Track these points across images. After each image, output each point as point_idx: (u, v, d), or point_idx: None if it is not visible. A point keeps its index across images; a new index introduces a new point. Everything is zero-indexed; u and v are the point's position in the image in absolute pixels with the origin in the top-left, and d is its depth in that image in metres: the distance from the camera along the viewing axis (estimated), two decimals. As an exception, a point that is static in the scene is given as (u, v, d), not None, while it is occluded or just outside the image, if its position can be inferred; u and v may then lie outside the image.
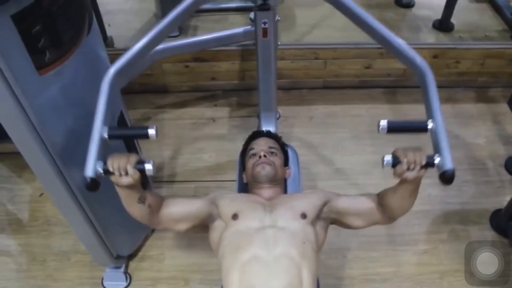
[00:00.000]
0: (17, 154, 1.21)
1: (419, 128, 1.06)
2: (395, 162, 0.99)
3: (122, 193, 1.07)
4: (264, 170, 1.31)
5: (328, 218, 1.25)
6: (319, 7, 2.86)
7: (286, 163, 1.47)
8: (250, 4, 2.79)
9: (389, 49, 1.24)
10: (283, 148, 1.49)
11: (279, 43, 2.21)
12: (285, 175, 1.42)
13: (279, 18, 1.79)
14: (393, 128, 1.03)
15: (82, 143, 1.31)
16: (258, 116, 2.21)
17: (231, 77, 2.58)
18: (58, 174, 1.27)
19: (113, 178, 1.01)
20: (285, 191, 1.49)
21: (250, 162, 1.38)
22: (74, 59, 1.16)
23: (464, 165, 2.21)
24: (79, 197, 1.37)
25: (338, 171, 2.19)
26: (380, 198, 1.17)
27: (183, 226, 1.21)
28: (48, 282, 1.82)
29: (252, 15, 2.69)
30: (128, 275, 1.82)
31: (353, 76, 2.59)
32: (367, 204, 1.19)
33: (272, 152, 1.39)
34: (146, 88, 2.55)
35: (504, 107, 2.47)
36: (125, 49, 1.20)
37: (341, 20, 1.38)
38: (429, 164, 0.99)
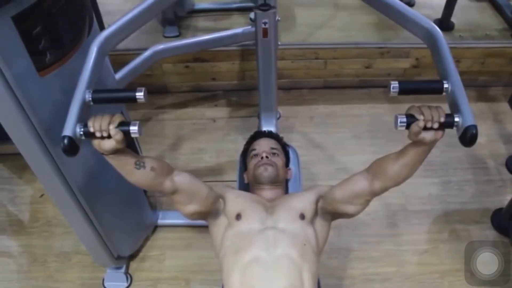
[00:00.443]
0: (17, 155, 1.21)
1: (434, 89, 0.95)
2: (410, 121, 0.88)
3: (113, 162, 1.00)
4: (266, 172, 1.31)
5: (327, 213, 1.21)
6: (319, 7, 2.86)
7: (287, 163, 1.47)
8: (250, 4, 2.80)
9: (394, 17, 1.17)
10: (285, 148, 1.49)
11: (279, 43, 2.21)
12: (286, 175, 1.42)
13: (279, 18, 1.79)
14: (405, 90, 0.93)
15: (83, 144, 1.31)
16: (259, 116, 2.21)
17: (231, 77, 2.58)
18: (58, 175, 1.27)
19: (95, 144, 0.94)
20: (286, 191, 1.49)
21: (251, 163, 1.38)
22: (75, 60, 1.16)
23: (464, 164, 2.21)
24: (80, 198, 1.37)
25: (338, 171, 2.19)
26: (376, 169, 1.09)
27: (193, 206, 1.14)
28: (49, 283, 1.83)
29: (252, 15, 2.68)
30: (128, 276, 1.82)
31: (353, 75, 2.59)
32: (360, 183, 1.11)
33: (274, 153, 1.39)
34: (146, 89, 2.54)
35: (504, 106, 2.46)
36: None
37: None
38: (448, 123, 0.89)
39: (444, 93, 0.95)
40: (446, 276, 1.79)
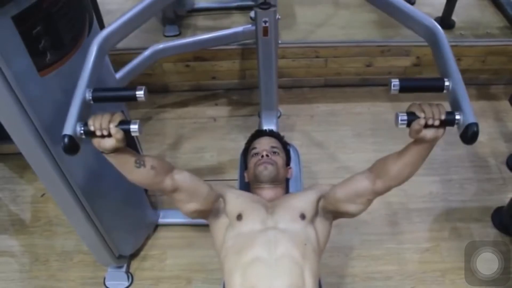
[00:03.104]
0: (18, 155, 1.22)
1: (435, 87, 0.95)
2: (411, 119, 0.88)
3: (113, 161, 0.99)
4: (266, 170, 1.31)
5: (328, 212, 1.21)
6: (320, 6, 2.85)
7: (288, 162, 1.47)
8: (250, 2, 2.79)
9: (395, 15, 1.17)
10: (285, 147, 1.49)
11: (279, 41, 2.20)
12: (287, 175, 1.42)
13: (279, 17, 1.79)
14: (406, 87, 0.92)
15: (84, 144, 1.31)
16: (259, 115, 2.21)
17: (232, 76, 2.58)
18: (59, 174, 1.27)
19: (95, 142, 0.93)
20: (287, 190, 1.49)
21: (252, 161, 1.37)
22: (75, 60, 1.16)
23: (466, 162, 2.21)
24: (81, 197, 1.37)
25: (339, 170, 2.18)
26: (380, 168, 1.07)
27: (194, 204, 1.14)
28: (51, 282, 1.83)
29: (252, 13, 2.68)
30: (130, 275, 1.82)
31: (354, 74, 2.59)
32: (362, 183, 1.09)
33: (275, 152, 1.38)
34: (147, 88, 2.54)
35: (506, 104, 2.46)
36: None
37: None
38: (449, 120, 0.88)
39: (445, 91, 0.94)
40: (447, 274, 1.79)
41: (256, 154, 1.38)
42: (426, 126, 0.88)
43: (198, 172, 2.20)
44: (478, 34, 2.69)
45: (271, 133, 1.51)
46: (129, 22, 1.16)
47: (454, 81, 0.94)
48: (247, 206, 1.22)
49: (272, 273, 1.08)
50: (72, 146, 0.90)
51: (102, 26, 2.37)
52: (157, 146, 2.32)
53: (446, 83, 0.94)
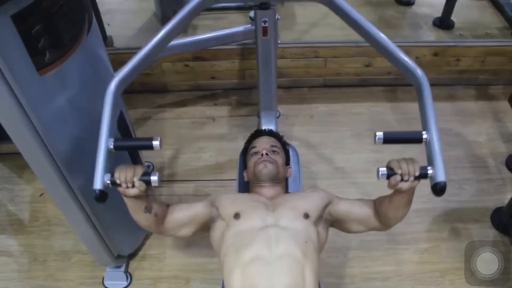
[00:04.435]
0: (17, 155, 1.21)
1: (414, 139, 1.07)
2: (390, 173, 1.02)
3: (129, 203, 1.11)
4: (266, 169, 1.31)
5: (328, 220, 1.26)
6: (319, 6, 2.84)
7: (287, 162, 1.47)
8: (250, 2, 2.79)
9: (387, 57, 1.25)
10: (285, 147, 1.49)
11: (279, 41, 2.20)
12: (286, 174, 1.42)
13: (279, 17, 1.79)
14: (388, 139, 1.05)
15: (83, 143, 1.31)
16: (258, 115, 2.21)
17: (231, 76, 2.58)
18: (58, 174, 1.27)
19: (120, 189, 1.04)
20: (286, 190, 1.49)
21: (251, 161, 1.38)
22: (74, 59, 1.16)
23: (465, 163, 2.21)
24: (80, 197, 1.37)
25: (338, 170, 2.19)
26: (377, 207, 1.19)
27: (186, 231, 1.25)
28: (49, 282, 1.83)
29: (252, 13, 2.68)
30: (128, 275, 1.82)
31: (353, 74, 2.59)
32: (366, 210, 1.22)
33: (274, 151, 1.39)
34: (146, 88, 2.55)
35: (505, 104, 2.47)
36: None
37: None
38: (422, 175, 1.02)
39: (423, 143, 1.06)
40: (447, 275, 1.79)
41: (256, 153, 1.38)
42: (402, 179, 1.01)
43: (197, 172, 2.21)
44: (478, 34, 2.70)
45: (270, 133, 1.51)
46: (138, 65, 1.19)
47: (431, 135, 1.04)
48: (244, 206, 1.22)
49: (273, 272, 1.08)
50: (102, 196, 1.01)
51: (101, 26, 2.37)
52: (156, 146, 2.32)
53: (424, 136, 1.05)
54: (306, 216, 1.18)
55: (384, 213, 1.15)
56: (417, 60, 2.49)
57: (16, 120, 1.09)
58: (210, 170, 2.22)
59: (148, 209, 1.12)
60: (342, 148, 2.30)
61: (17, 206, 2.11)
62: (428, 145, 1.04)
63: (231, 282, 1.11)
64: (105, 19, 2.45)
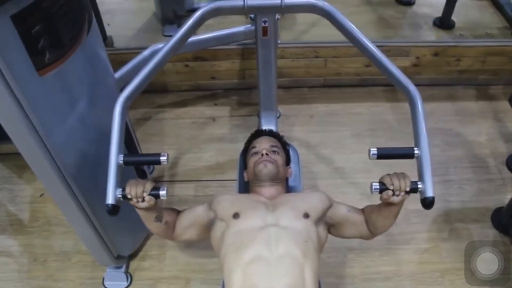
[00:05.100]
0: (17, 155, 1.21)
1: (406, 155, 1.13)
2: (382, 188, 1.08)
3: (141, 214, 1.17)
4: (266, 168, 1.31)
5: (328, 223, 1.27)
6: (319, 6, 2.84)
7: (287, 162, 1.47)
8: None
9: (384, 73, 1.30)
10: (285, 147, 1.49)
11: (279, 41, 2.20)
12: (286, 174, 1.42)
13: (279, 17, 1.78)
14: (382, 155, 1.11)
15: (83, 144, 1.31)
16: (259, 115, 2.21)
17: (231, 76, 2.58)
18: (58, 175, 1.26)
19: (131, 202, 1.10)
20: (286, 190, 1.49)
21: (252, 160, 1.38)
22: (74, 59, 1.16)
23: (465, 163, 2.21)
24: (80, 197, 1.37)
25: (338, 170, 2.19)
26: (366, 215, 1.24)
27: (189, 234, 1.28)
28: (49, 283, 1.83)
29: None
30: (129, 275, 1.82)
31: (353, 74, 2.59)
32: (360, 217, 1.25)
33: (274, 151, 1.39)
34: (146, 88, 2.54)
35: (505, 104, 2.46)
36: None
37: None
38: (413, 190, 1.07)
39: (415, 158, 1.12)
40: (447, 275, 1.79)
41: (256, 153, 1.38)
42: (394, 194, 1.07)
43: (197, 172, 2.21)
44: (478, 34, 2.69)
45: (270, 133, 1.51)
46: (144, 80, 1.24)
47: (422, 152, 1.10)
48: (244, 206, 1.23)
49: (273, 272, 1.08)
50: (115, 210, 1.08)
51: (101, 26, 2.37)
52: (156, 146, 2.32)
53: (416, 152, 1.11)
54: (306, 216, 1.19)
55: (373, 222, 1.20)
56: (417, 60, 2.51)
57: (16, 120, 1.08)
58: (210, 170, 2.22)
59: (158, 219, 1.20)
60: (342, 148, 2.30)
61: (17, 206, 2.11)
62: (419, 161, 1.10)
63: (232, 282, 1.11)
64: (105, 19, 2.45)
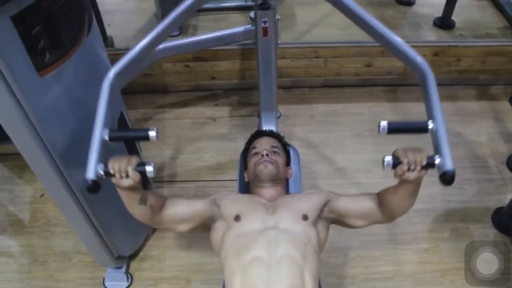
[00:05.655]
0: (17, 155, 1.21)
1: (420, 128, 1.05)
2: (396, 162, 0.98)
3: (123, 194, 1.08)
4: (267, 169, 1.31)
5: (329, 218, 1.25)
6: (319, 6, 2.85)
7: (288, 163, 1.47)
8: (250, 3, 2.79)
9: (389, 49, 1.23)
10: (285, 147, 1.49)
11: (279, 42, 2.20)
12: (287, 174, 1.42)
13: (279, 17, 1.78)
14: (393, 129, 1.02)
15: (83, 144, 1.31)
16: (259, 115, 2.21)
17: (231, 76, 2.58)
18: (59, 175, 1.27)
19: (114, 180, 1.02)
20: (287, 191, 1.49)
21: (252, 161, 1.37)
22: (74, 60, 1.16)
23: (465, 163, 2.21)
24: (80, 198, 1.37)
25: (339, 170, 2.18)
26: (381, 198, 1.17)
27: (185, 227, 1.22)
28: (49, 283, 1.83)
29: (252, 14, 2.68)
30: (129, 275, 1.82)
31: (353, 74, 2.59)
32: (368, 205, 1.19)
33: (275, 152, 1.38)
34: (146, 88, 2.55)
35: (505, 104, 2.46)
36: (125, 49, 1.20)
37: (341, 18, 1.38)
38: (430, 164, 0.98)
39: (429, 133, 1.02)
40: (447, 275, 1.79)
41: (256, 153, 1.38)
42: (409, 169, 0.98)
43: (197, 172, 2.21)
44: (478, 34, 2.69)
45: (271, 133, 1.51)
46: (136, 57, 1.18)
47: (437, 125, 1.01)
48: (245, 207, 1.22)
49: (272, 274, 1.08)
50: (95, 187, 0.98)
51: (101, 26, 2.37)
52: (156, 146, 2.32)
53: (430, 126, 1.02)
54: (305, 217, 1.18)
55: (389, 205, 1.12)
56: (418, 60, 2.51)
57: (16, 120, 1.09)
58: (211, 170, 2.22)
59: (142, 201, 1.09)
60: (343, 148, 2.30)
61: (17, 206, 2.11)
62: (434, 134, 1.01)
63: (232, 284, 1.11)
64: (105, 19, 2.45)
